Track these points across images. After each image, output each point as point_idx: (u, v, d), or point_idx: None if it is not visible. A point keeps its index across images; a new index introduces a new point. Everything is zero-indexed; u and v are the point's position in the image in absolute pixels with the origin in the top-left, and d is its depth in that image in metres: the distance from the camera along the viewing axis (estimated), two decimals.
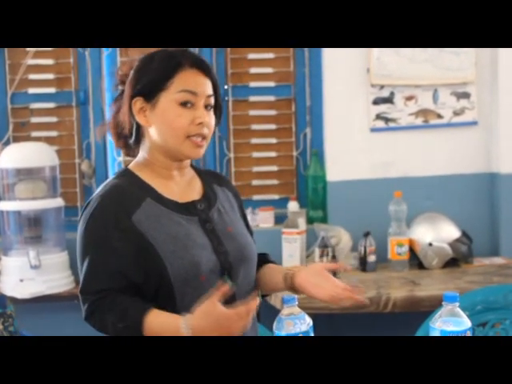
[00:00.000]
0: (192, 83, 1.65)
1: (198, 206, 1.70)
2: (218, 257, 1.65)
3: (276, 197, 3.45)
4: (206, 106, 1.67)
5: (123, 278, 1.56)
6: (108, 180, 1.70)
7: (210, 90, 1.68)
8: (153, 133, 1.67)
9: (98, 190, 1.67)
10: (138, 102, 1.66)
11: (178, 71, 1.64)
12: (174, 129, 1.64)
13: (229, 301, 1.65)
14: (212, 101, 1.69)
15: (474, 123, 3.30)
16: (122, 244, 1.58)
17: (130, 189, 1.65)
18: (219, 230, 1.70)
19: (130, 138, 1.71)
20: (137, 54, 1.73)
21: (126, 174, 1.70)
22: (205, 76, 1.67)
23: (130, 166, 1.73)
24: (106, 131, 1.82)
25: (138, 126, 1.69)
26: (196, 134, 1.64)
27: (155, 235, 1.60)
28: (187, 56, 1.67)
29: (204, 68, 1.67)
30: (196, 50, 3.31)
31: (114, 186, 1.66)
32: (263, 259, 1.83)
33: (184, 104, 1.64)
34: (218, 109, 1.73)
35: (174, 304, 1.59)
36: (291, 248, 3.13)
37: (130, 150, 1.77)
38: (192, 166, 1.80)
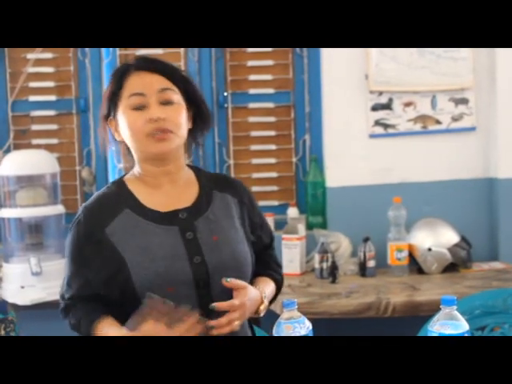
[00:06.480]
0: (138, 85, 1.67)
1: (180, 215, 1.70)
2: (193, 268, 1.64)
3: (276, 203, 3.46)
4: (164, 102, 1.67)
5: (90, 288, 1.66)
6: (101, 189, 1.76)
7: (161, 85, 1.68)
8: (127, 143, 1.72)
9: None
10: (111, 122, 1.73)
11: (126, 78, 1.69)
12: (133, 133, 1.67)
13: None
14: (169, 95, 1.68)
15: (473, 129, 3.31)
16: (93, 256, 1.65)
17: (112, 199, 1.70)
18: (202, 238, 1.68)
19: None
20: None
21: (116, 184, 1.76)
22: (153, 73, 1.68)
23: (125, 176, 1.78)
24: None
25: None
26: (153, 130, 1.65)
27: (125, 247, 1.64)
28: (133, 61, 1.71)
29: (150, 67, 1.69)
30: (195, 52, 3.34)
31: (98, 198, 1.72)
32: (262, 269, 1.83)
33: (137, 108, 1.66)
34: (198, 107, 1.75)
35: None
36: (291, 254, 3.14)
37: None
38: (197, 170, 1.81)
